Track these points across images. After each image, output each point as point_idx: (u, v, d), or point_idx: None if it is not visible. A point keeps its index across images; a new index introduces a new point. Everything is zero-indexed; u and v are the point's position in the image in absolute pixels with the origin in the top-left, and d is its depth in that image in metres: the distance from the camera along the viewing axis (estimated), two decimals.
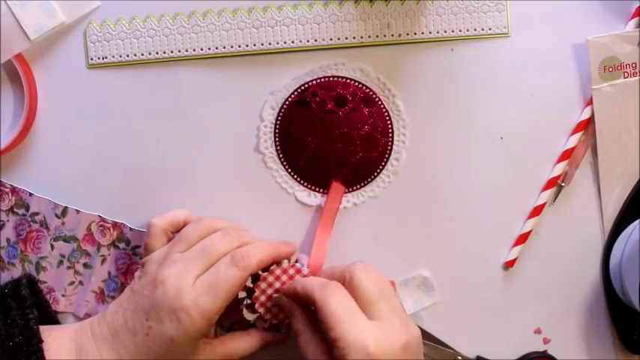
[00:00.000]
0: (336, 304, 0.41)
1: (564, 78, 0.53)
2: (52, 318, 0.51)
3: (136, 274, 0.48)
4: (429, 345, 0.52)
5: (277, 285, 0.47)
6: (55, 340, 0.45)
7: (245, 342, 0.48)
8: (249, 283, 0.47)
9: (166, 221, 0.49)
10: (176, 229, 0.49)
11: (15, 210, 0.53)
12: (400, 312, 0.44)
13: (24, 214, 0.53)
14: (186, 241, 0.47)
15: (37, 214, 0.53)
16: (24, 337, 0.44)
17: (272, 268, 0.47)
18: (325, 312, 0.41)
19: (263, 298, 0.47)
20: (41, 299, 0.51)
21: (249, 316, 0.48)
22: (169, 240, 0.49)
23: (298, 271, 0.47)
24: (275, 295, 0.47)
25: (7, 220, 0.53)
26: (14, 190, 0.53)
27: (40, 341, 0.44)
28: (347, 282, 0.44)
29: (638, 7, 0.52)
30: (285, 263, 0.47)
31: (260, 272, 0.47)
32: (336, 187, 0.48)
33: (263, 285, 0.47)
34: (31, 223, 0.53)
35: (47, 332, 0.46)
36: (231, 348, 0.48)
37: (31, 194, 0.53)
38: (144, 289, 0.45)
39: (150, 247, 0.48)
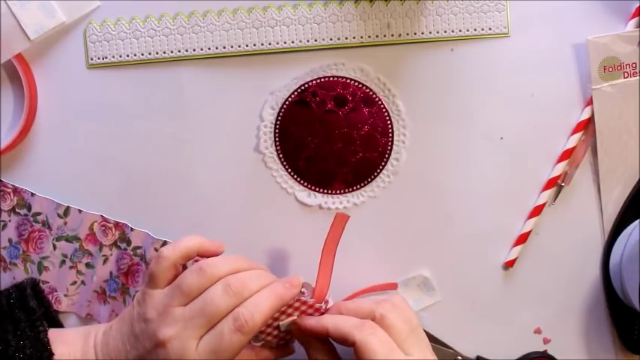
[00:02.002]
0: (378, 345, 0.43)
1: (564, 78, 0.53)
2: (53, 318, 0.51)
3: (135, 303, 0.46)
4: None
5: (283, 318, 0.46)
6: (61, 357, 0.45)
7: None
8: None
9: (177, 254, 0.46)
10: (187, 260, 0.47)
11: (17, 210, 0.53)
12: (426, 341, 0.46)
13: (26, 214, 0.53)
14: (187, 294, 0.44)
15: (39, 214, 0.53)
16: (34, 349, 0.44)
17: None
18: (368, 352, 0.42)
19: (269, 330, 0.47)
20: (44, 302, 0.51)
21: (256, 343, 0.47)
22: (177, 274, 0.46)
23: (303, 303, 0.46)
24: (282, 323, 0.47)
25: (9, 220, 0.53)
26: (16, 190, 0.53)
27: (52, 355, 0.44)
28: (377, 320, 0.45)
29: (638, 7, 0.52)
30: None
31: None
32: (340, 216, 0.48)
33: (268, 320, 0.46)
34: (33, 223, 0.53)
35: (53, 346, 0.45)
36: None
37: (33, 194, 0.53)
38: (144, 341, 0.44)
39: (156, 280, 0.45)
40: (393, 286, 0.53)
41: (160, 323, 0.43)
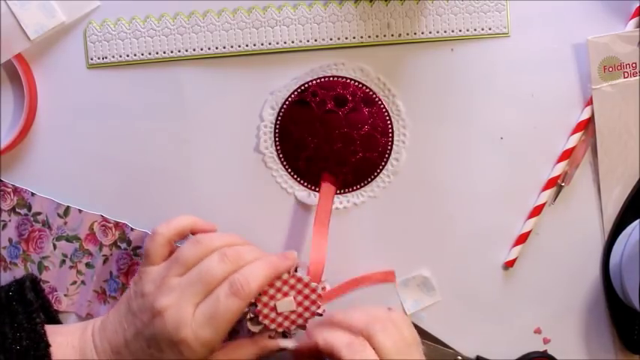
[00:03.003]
0: None
1: (564, 78, 0.53)
2: (53, 317, 0.51)
3: (132, 284, 0.47)
4: (428, 345, 0.52)
5: (279, 296, 0.47)
6: (59, 346, 0.45)
7: (249, 350, 0.47)
8: None
9: (172, 231, 0.47)
10: (181, 238, 0.48)
11: (17, 210, 0.53)
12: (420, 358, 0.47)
13: (26, 214, 0.53)
14: (183, 264, 0.45)
15: (39, 213, 0.53)
16: (31, 341, 0.44)
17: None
18: None
19: (266, 311, 0.47)
20: (43, 299, 0.51)
21: (254, 328, 0.47)
22: (172, 251, 0.47)
23: (299, 280, 0.46)
24: (279, 303, 0.47)
25: (9, 220, 0.53)
26: (16, 190, 0.53)
27: (48, 345, 0.44)
28: (367, 338, 0.45)
29: (638, 7, 0.52)
30: (285, 275, 0.46)
31: None
32: (326, 187, 0.48)
33: (265, 298, 0.46)
34: (34, 223, 0.53)
35: (51, 338, 0.45)
36: (234, 357, 0.46)
37: (33, 194, 0.53)
38: (142, 314, 0.44)
39: (151, 256, 0.47)
40: (391, 276, 0.52)
41: (157, 294, 0.44)
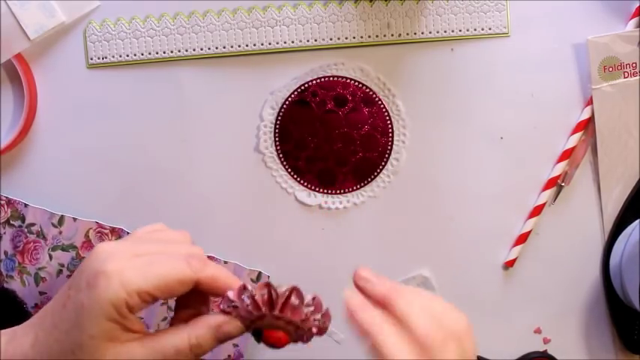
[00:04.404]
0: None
1: (564, 78, 0.53)
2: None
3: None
4: None
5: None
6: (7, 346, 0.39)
7: (183, 337, 0.38)
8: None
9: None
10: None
11: (11, 222, 0.53)
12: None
13: (20, 226, 0.53)
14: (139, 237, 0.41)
15: (33, 224, 0.53)
16: None
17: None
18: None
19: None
20: (15, 300, 0.47)
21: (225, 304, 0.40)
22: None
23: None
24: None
25: (4, 233, 0.53)
26: (10, 202, 0.53)
27: None
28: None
29: (638, 7, 0.52)
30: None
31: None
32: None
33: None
34: (28, 235, 0.53)
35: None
36: (165, 344, 0.38)
37: (26, 205, 0.53)
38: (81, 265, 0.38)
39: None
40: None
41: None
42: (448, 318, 0.40)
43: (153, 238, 0.41)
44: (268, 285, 0.39)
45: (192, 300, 0.41)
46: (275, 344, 0.40)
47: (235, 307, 0.39)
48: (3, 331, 0.40)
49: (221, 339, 0.39)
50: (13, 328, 0.40)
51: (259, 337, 0.39)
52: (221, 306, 0.39)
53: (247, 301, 0.39)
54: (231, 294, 0.39)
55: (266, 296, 0.39)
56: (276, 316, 0.39)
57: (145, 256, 0.38)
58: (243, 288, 0.39)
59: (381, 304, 0.39)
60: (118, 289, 0.36)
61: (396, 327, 0.38)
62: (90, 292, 0.36)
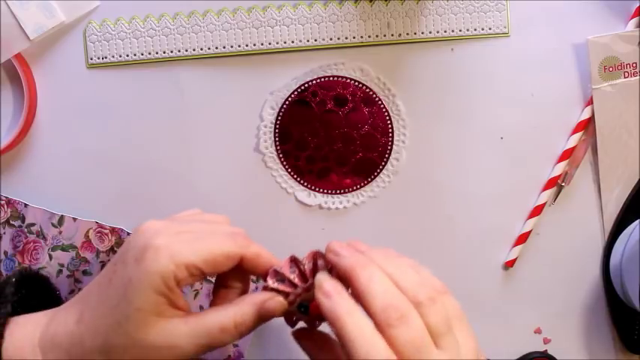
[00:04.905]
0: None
1: (564, 78, 0.53)
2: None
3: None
4: None
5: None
6: (19, 325, 0.40)
7: (229, 314, 0.38)
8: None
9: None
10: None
11: (11, 222, 0.53)
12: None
13: (20, 226, 0.53)
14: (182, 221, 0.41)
15: (33, 224, 0.53)
16: None
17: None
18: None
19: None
20: (48, 286, 0.47)
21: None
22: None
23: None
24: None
25: (4, 233, 0.53)
26: (9, 202, 0.53)
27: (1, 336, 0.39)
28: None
29: (638, 7, 0.52)
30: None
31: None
32: None
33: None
34: (28, 235, 0.53)
35: (12, 328, 0.40)
36: (210, 322, 0.38)
37: (26, 205, 0.53)
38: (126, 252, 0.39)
39: None
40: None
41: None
42: (424, 285, 0.36)
43: (196, 219, 0.41)
44: (315, 254, 0.40)
45: (232, 279, 0.41)
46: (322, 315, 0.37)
47: (282, 280, 0.40)
48: (43, 312, 0.41)
49: (264, 316, 0.39)
50: (53, 309, 0.40)
51: (306, 309, 0.39)
52: (268, 281, 0.40)
53: (295, 272, 0.40)
54: (277, 268, 0.39)
55: (312, 267, 0.40)
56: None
57: (192, 233, 0.38)
58: (291, 260, 0.40)
59: (346, 279, 0.36)
60: (167, 261, 0.36)
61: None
62: (138, 266, 0.36)
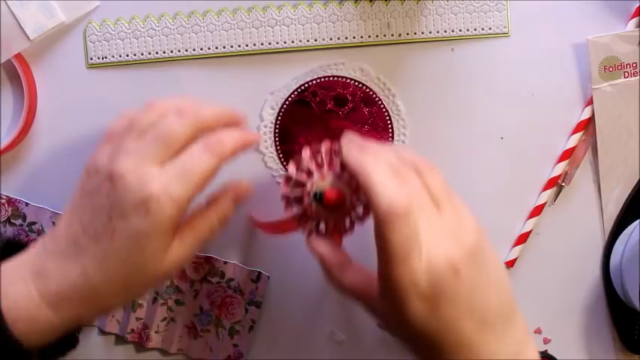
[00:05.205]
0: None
1: (564, 78, 0.53)
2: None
3: (83, 171, 0.43)
4: None
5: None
6: (5, 271, 0.40)
7: (212, 217, 0.44)
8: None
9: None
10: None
11: (12, 221, 0.53)
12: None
13: (21, 225, 0.53)
14: (138, 130, 0.41)
15: (34, 223, 0.53)
16: None
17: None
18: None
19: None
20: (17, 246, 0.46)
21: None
22: None
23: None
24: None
25: (5, 231, 0.53)
26: (10, 201, 0.53)
27: None
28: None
29: (638, 7, 0.52)
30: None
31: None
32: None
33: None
34: (29, 233, 0.53)
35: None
36: (200, 231, 0.43)
37: (27, 204, 0.53)
38: (100, 188, 0.40)
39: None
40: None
41: (112, 160, 0.40)
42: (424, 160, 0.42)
43: (157, 135, 0.41)
44: (331, 147, 0.45)
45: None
46: (335, 199, 0.43)
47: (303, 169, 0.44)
48: (14, 271, 0.40)
49: (238, 197, 0.46)
50: (21, 267, 0.41)
51: (322, 197, 0.43)
52: (289, 169, 0.45)
53: (313, 162, 0.45)
54: (307, 154, 0.45)
55: (328, 159, 0.44)
56: (339, 174, 0.44)
57: (175, 162, 0.40)
58: (310, 151, 0.45)
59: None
60: (170, 206, 0.39)
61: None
62: (145, 218, 0.38)
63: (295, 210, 0.45)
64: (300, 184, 0.44)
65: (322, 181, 0.44)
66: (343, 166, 0.43)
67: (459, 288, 0.38)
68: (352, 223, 0.45)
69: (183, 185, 0.39)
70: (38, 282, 0.40)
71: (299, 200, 0.45)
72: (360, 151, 0.41)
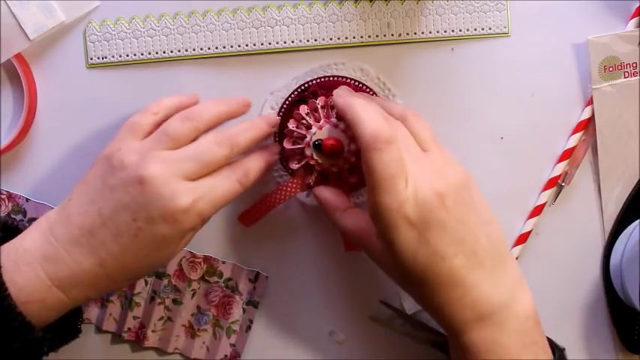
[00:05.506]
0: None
1: (564, 78, 0.53)
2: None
3: (103, 159, 0.44)
4: (430, 331, 0.52)
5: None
6: (9, 255, 0.42)
7: (232, 179, 0.45)
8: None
9: (163, 111, 0.47)
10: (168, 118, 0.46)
11: (12, 216, 0.53)
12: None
13: (21, 220, 0.53)
14: (173, 139, 0.43)
15: (34, 219, 0.53)
16: None
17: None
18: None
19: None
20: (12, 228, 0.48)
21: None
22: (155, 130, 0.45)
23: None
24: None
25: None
26: (10, 196, 0.53)
27: None
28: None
29: (638, 7, 0.52)
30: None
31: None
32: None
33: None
34: None
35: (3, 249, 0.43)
36: (221, 195, 0.45)
37: (27, 199, 0.53)
38: (126, 187, 0.41)
39: (137, 131, 0.45)
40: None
41: (144, 162, 0.42)
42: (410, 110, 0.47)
43: (194, 154, 0.43)
44: (327, 99, 0.49)
45: None
46: (333, 146, 0.47)
47: (304, 124, 0.49)
48: (24, 256, 0.42)
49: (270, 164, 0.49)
50: (42, 247, 0.42)
51: (320, 145, 0.47)
52: (289, 125, 0.49)
53: (311, 116, 0.49)
54: (304, 110, 0.49)
55: (325, 112, 0.49)
56: (335, 124, 0.48)
57: (205, 184, 0.43)
58: (308, 107, 0.50)
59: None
60: (196, 220, 0.43)
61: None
62: (171, 227, 0.42)
63: (297, 163, 0.49)
64: (301, 138, 0.49)
65: (320, 131, 0.48)
66: (339, 117, 0.47)
67: (446, 217, 0.40)
68: (354, 170, 0.48)
69: (211, 204, 0.43)
70: (47, 266, 0.42)
71: (301, 153, 0.49)
72: (350, 95, 0.46)
